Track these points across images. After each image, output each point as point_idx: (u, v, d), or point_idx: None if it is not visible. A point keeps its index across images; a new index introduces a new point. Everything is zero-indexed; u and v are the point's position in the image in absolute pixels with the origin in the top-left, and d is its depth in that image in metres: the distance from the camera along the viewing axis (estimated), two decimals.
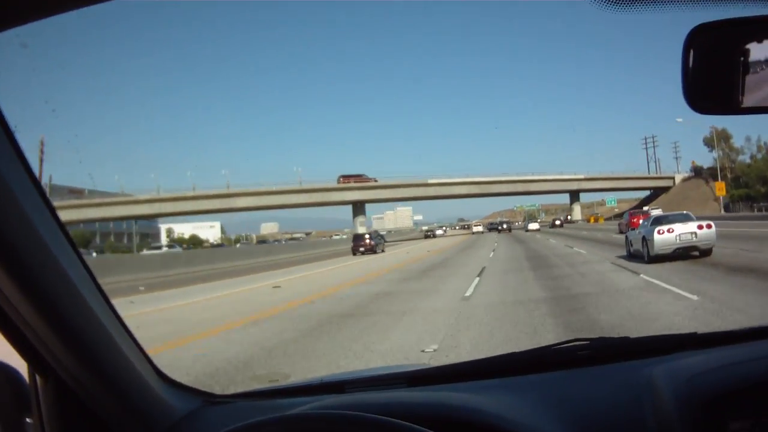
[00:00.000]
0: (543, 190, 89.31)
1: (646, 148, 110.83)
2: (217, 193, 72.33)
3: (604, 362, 1.32)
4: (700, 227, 14.18)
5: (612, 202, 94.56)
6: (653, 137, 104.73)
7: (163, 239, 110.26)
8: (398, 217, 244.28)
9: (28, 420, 1.11)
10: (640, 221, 18.50)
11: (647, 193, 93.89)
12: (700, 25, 0.98)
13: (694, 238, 14.07)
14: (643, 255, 14.78)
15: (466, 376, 1.36)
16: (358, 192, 77.43)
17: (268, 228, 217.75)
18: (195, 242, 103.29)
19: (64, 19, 0.86)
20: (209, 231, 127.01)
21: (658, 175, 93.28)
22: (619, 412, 1.08)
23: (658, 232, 14.09)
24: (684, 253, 14.09)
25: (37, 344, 0.99)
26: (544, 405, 1.12)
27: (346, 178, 78.99)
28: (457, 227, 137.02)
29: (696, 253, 14.28)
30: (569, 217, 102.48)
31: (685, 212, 15.90)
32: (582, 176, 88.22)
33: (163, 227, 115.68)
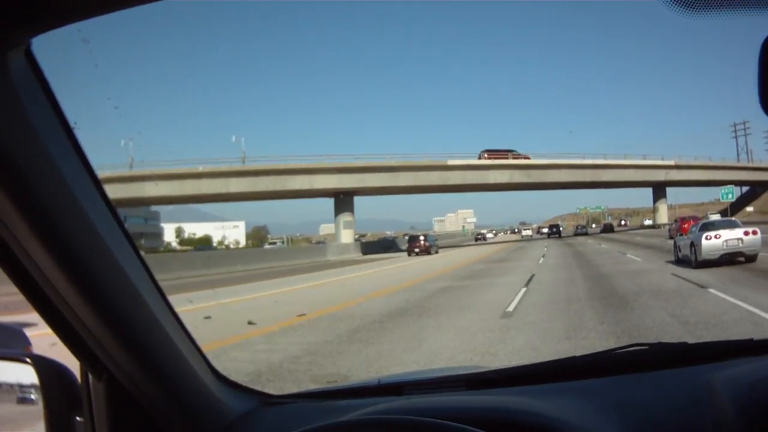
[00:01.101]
0: (618, 180, 60.27)
1: (736, 137, 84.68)
2: (111, 176, 39.95)
3: (662, 368, 1.29)
4: (746, 233, 14.18)
5: (728, 195, 64.02)
6: (744, 123, 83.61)
7: (168, 239, 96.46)
8: (459, 219, 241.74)
9: (78, 419, 1.08)
10: (690, 227, 18.42)
11: (733, 190, 66.27)
12: None
13: (741, 244, 14.09)
14: (690, 260, 14.75)
15: (525, 379, 1.34)
16: (338, 177, 48.90)
17: (328, 229, 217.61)
18: (206, 242, 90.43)
19: (128, 14, 0.81)
20: (232, 231, 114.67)
21: (760, 165, 68.97)
22: (678, 418, 1.05)
23: (706, 238, 14.08)
24: (730, 259, 14.10)
25: (91, 342, 0.97)
26: (603, 410, 1.10)
27: (493, 153, 54.79)
28: (509, 231, 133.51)
29: (742, 259, 14.25)
30: (623, 222, 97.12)
31: (732, 218, 15.91)
32: (671, 162, 61.22)
33: (168, 226, 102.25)
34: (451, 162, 53.33)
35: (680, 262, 16.03)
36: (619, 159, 60.52)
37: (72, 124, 0.89)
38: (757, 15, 0.90)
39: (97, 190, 0.94)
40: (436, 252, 40.50)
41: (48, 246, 0.85)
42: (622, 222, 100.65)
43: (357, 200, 52.79)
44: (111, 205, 0.97)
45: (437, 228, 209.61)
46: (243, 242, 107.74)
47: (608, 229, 70.12)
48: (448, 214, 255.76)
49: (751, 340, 1.36)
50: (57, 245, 0.86)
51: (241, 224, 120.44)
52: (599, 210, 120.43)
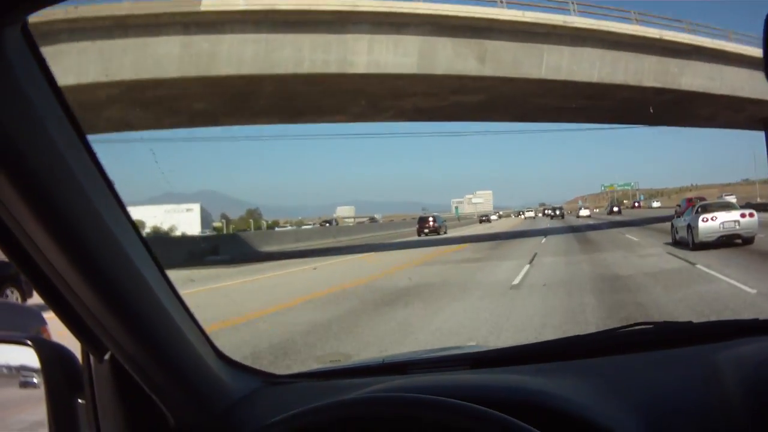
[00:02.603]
0: (709, 93, 24.00)
1: None
2: None
3: (667, 347, 1.27)
4: (743, 216, 14.26)
5: None
6: None
7: None
8: (478, 200, 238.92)
9: (80, 401, 1.07)
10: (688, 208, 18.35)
11: None
12: None
13: (737, 227, 14.14)
14: (688, 242, 14.83)
15: (529, 358, 1.33)
16: None
17: (345, 211, 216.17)
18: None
19: None
20: (185, 216, 79.90)
21: None
22: (684, 397, 1.04)
23: (703, 220, 14.16)
24: (727, 241, 14.13)
25: (92, 323, 0.95)
26: (608, 388, 1.09)
27: None
28: (513, 215, 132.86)
29: (739, 241, 14.29)
30: (637, 204, 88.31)
31: (728, 201, 15.93)
32: None
33: None
34: (206, 5, 18.41)
35: (678, 244, 16.11)
36: (717, 39, 24.78)
37: (70, 102, 0.87)
38: None
39: (95, 167, 0.92)
40: (445, 232, 41.98)
41: (47, 225, 0.83)
42: (636, 204, 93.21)
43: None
44: (110, 183, 0.95)
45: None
46: (197, 230, 72.23)
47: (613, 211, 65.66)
48: (467, 196, 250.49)
49: (757, 319, 1.34)
50: (55, 224, 0.84)
51: (196, 207, 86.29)
52: (628, 188, 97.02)
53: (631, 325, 1.40)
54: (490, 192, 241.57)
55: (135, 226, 1.00)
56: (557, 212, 74.02)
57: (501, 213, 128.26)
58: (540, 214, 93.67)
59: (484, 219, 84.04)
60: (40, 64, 0.83)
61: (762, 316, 1.37)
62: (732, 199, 23.91)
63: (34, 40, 0.81)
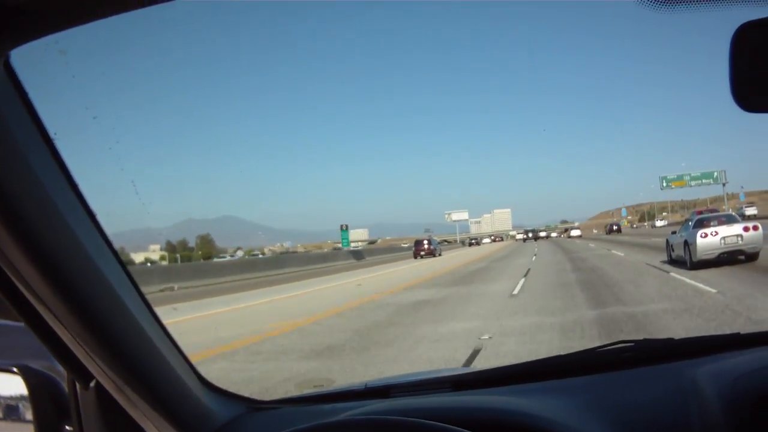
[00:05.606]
0: None
1: None
2: None
3: (648, 364, 1.31)
4: (746, 229, 13.24)
5: None
6: None
7: None
8: (496, 220, 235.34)
9: (67, 428, 1.10)
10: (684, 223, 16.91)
11: None
12: (747, 23, 0.99)
13: (740, 242, 13.17)
14: (685, 261, 13.91)
15: (511, 379, 1.36)
16: None
17: (357, 234, 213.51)
18: None
19: (102, 26, 0.78)
20: None
21: None
22: (664, 414, 1.07)
23: (702, 236, 13.21)
24: (729, 258, 13.20)
25: (77, 351, 0.99)
26: (589, 407, 1.12)
27: None
28: (509, 237, 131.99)
29: (742, 257, 13.36)
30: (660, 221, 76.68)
31: (729, 213, 15.29)
32: None
33: None
34: None
35: (674, 262, 15.20)
36: None
37: (52, 135, 0.90)
38: (726, 8, 0.94)
39: (78, 199, 0.95)
40: (440, 254, 43.79)
41: (31, 256, 0.86)
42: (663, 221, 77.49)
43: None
44: (93, 215, 0.99)
45: (473, 229, 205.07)
46: None
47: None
48: (484, 215, 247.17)
49: (738, 334, 1.38)
50: (39, 255, 0.87)
51: None
52: (709, 181, 54.74)
53: (612, 344, 1.44)
54: (509, 210, 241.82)
55: (117, 256, 1.04)
56: (529, 235, 78.28)
57: (520, 234, 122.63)
58: (524, 236, 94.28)
59: (473, 242, 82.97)
60: (23, 99, 0.86)
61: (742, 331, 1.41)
62: (753, 210, 22.39)
63: (17, 76, 0.85)
